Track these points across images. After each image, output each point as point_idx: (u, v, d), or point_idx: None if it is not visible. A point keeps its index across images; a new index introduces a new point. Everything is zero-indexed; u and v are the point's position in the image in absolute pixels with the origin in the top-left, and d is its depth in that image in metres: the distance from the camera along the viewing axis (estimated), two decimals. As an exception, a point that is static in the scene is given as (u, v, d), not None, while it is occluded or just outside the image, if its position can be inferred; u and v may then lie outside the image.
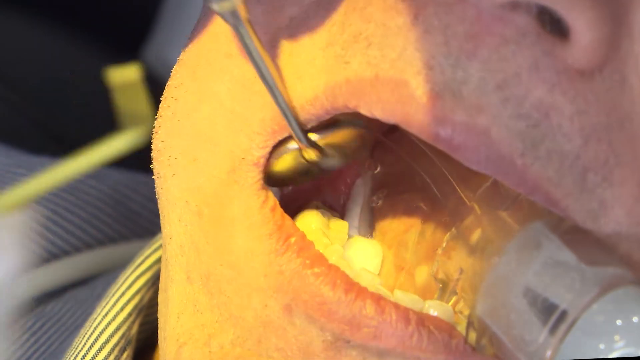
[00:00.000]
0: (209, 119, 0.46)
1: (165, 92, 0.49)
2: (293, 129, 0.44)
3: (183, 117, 0.47)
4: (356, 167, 0.52)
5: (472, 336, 0.44)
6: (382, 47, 0.41)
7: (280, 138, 0.45)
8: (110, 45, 1.05)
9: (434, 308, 0.45)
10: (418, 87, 0.40)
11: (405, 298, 0.45)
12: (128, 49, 1.09)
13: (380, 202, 0.52)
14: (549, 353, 0.39)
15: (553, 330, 0.39)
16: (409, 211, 0.51)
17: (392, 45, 0.41)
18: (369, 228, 0.52)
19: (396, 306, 0.43)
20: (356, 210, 0.51)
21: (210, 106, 0.46)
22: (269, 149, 0.45)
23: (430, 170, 0.49)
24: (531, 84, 0.39)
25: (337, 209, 0.52)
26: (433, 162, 0.48)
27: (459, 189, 0.47)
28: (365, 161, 0.52)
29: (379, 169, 0.52)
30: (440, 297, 0.48)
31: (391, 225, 0.52)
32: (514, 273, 0.41)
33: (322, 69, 0.43)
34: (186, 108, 0.47)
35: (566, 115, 0.39)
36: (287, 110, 0.43)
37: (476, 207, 0.46)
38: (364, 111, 0.42)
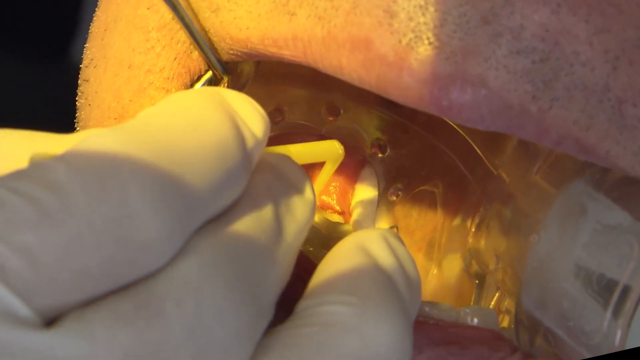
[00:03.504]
0: (113, 88, 0.40)
1: (79, 76, 0.44)
2: (208, 58, 0.38)
3: (92, 98, 0.42)
4: (360, 153, 0.43)
5: (524, 336, 0.36)
6: None
7: (195, 77, 0.39)
8: (35, 50, 1.03)
9: (472, 315, 0.37)
10: (383, 44, 0.32)
11: (434, 310, 0.37)
12: (54, 51, 1.08)
13: (400, 194, 0.43)
14: (617, 340, 0.31)
15: (617, 311, 0.33)
16: (436, 204, 0.43)
17: None
18: (389, 228, 0.43)
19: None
20: (369, 208, 0.43)
21: (112, 71, 0.40)
22: None
23: (451, 142, 0.41)
24: (528, 9, 0.31)
25: (341, 211, 0.43)
26: (453, 130, 0.40)
27: (484, 158, 0.39)
28: (369, 144, 0.43)
29: (388, 151, 0.43)
30: (479, 298, 0.39)
31: (418, 223, 0.44)
32: (558, 250, 0.35)
33: (254, 12, 0.35)
34: (94, 87, 0.42)
35: (582, 38, 0.31)
36: (200, 39, 0.37)
37: (503, 175, 0.37)
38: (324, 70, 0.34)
